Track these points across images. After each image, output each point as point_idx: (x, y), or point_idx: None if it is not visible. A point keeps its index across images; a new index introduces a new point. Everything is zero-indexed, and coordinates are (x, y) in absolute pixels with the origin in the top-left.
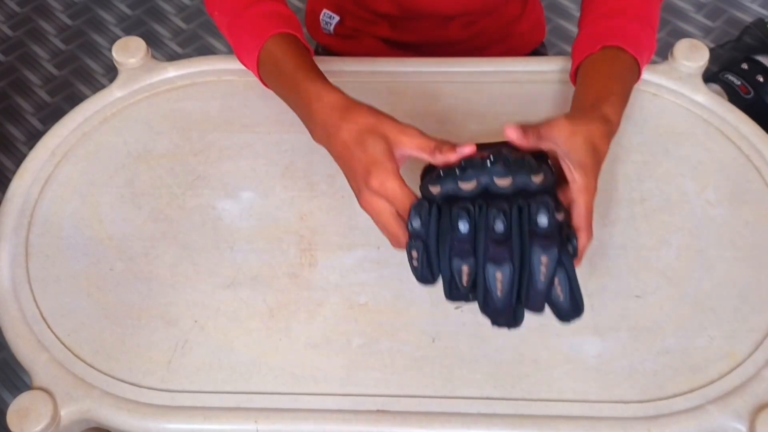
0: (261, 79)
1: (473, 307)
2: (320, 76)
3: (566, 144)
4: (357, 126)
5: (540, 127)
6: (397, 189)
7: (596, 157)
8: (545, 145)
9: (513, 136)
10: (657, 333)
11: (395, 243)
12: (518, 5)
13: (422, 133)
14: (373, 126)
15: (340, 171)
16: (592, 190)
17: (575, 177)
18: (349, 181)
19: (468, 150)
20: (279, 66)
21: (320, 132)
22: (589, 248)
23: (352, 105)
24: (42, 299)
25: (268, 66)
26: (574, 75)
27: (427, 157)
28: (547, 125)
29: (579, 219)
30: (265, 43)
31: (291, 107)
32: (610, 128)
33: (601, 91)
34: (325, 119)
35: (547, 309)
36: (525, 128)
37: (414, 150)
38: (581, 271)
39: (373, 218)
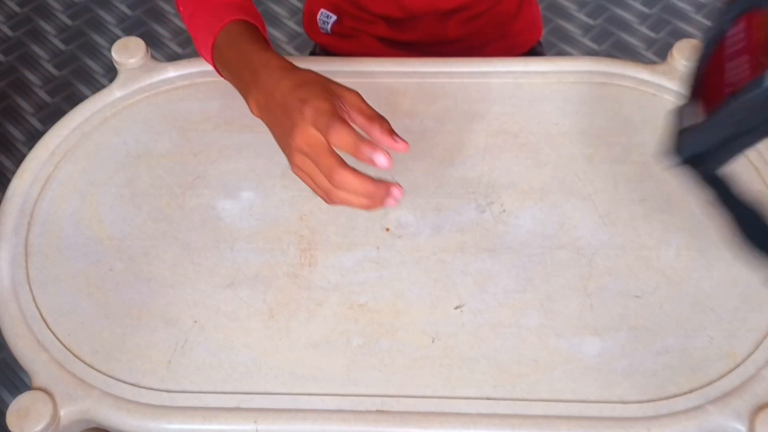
0: (215, 66)
1: (473, 307)
2: (272, 50)
3: None
4: (300, 77)
5: None
6: (335, 115)
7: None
8: None
9: None
10: (657, 333)
11: (341, 182)
12: (514, 2)
13: (363, 99)
14: (315, 77)
15: None
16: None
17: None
18: (279, 137)
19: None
20: (233, 47)
21: (260, 95)
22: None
23: (299, 68)
24: (41, 299)
25: (222, 50)
26: None
27: (360, 132)
28: None
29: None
30: (222, 28)
31: (239, 87)
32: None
33: None
34: (266, 79)
35: (546, 308)
36: None
37: (354, 109)
38: (580, 271)
39: (303, 166)
